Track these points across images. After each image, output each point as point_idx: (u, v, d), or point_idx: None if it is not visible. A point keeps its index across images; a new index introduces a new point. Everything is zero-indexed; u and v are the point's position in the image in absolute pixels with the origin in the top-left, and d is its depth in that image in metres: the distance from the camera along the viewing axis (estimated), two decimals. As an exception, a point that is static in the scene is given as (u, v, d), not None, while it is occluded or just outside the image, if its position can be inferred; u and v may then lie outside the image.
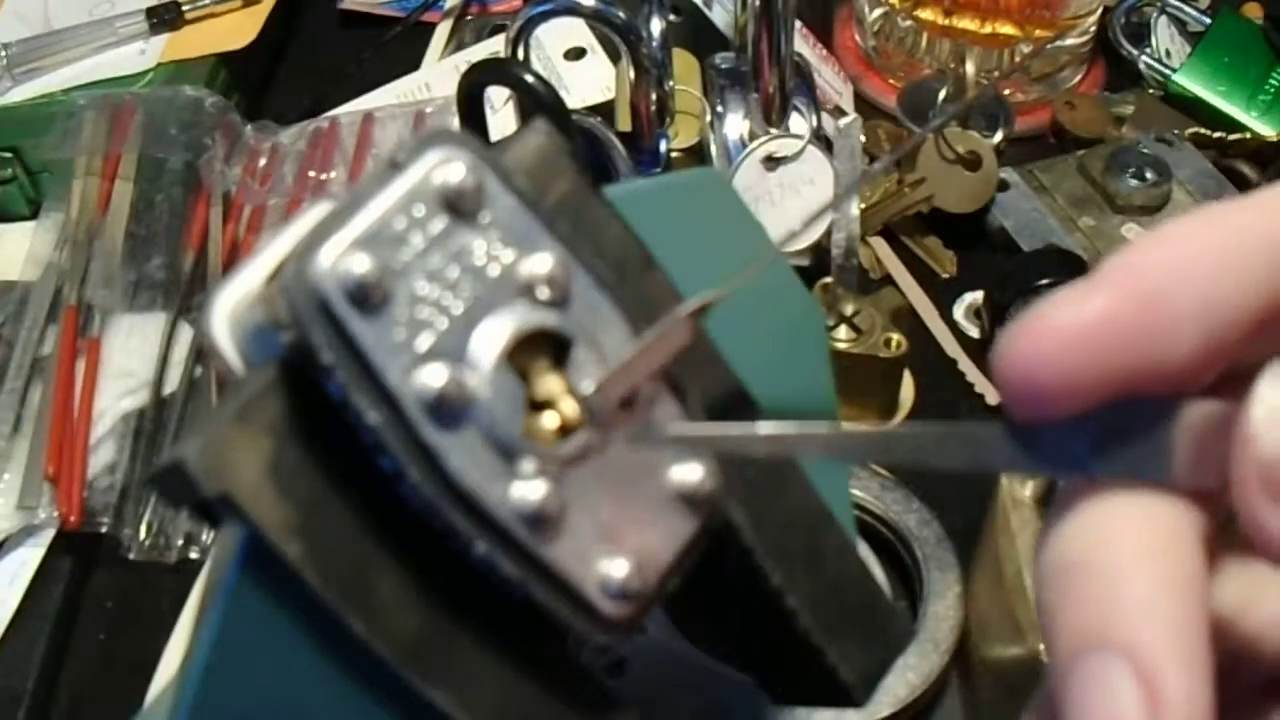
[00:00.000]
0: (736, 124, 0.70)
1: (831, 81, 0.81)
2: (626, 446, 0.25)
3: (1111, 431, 0.20)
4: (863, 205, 0.69)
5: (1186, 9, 0.83)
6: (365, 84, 0.84)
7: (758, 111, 0.69)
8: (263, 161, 0.75)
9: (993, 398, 0.65)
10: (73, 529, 0.59)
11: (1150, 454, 0.20)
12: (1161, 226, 0.20)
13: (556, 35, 0.83)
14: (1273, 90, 0.78)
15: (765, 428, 0.24)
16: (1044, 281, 0.65)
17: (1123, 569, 0.19)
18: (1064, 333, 0.19)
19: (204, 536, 0.60)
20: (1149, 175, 0.72)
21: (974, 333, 0.68)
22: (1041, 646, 0.20)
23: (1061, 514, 0.21)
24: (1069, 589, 0.20)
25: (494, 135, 0.65)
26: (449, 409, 0.22)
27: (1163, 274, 0.20)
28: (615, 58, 0.77)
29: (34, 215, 0.74)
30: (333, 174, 0.75)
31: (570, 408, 0.24)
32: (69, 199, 0.71)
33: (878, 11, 0.82)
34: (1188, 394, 0.20)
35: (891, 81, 0.82)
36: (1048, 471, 0.21)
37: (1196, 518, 0.20)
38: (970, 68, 0.78)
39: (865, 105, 0.81)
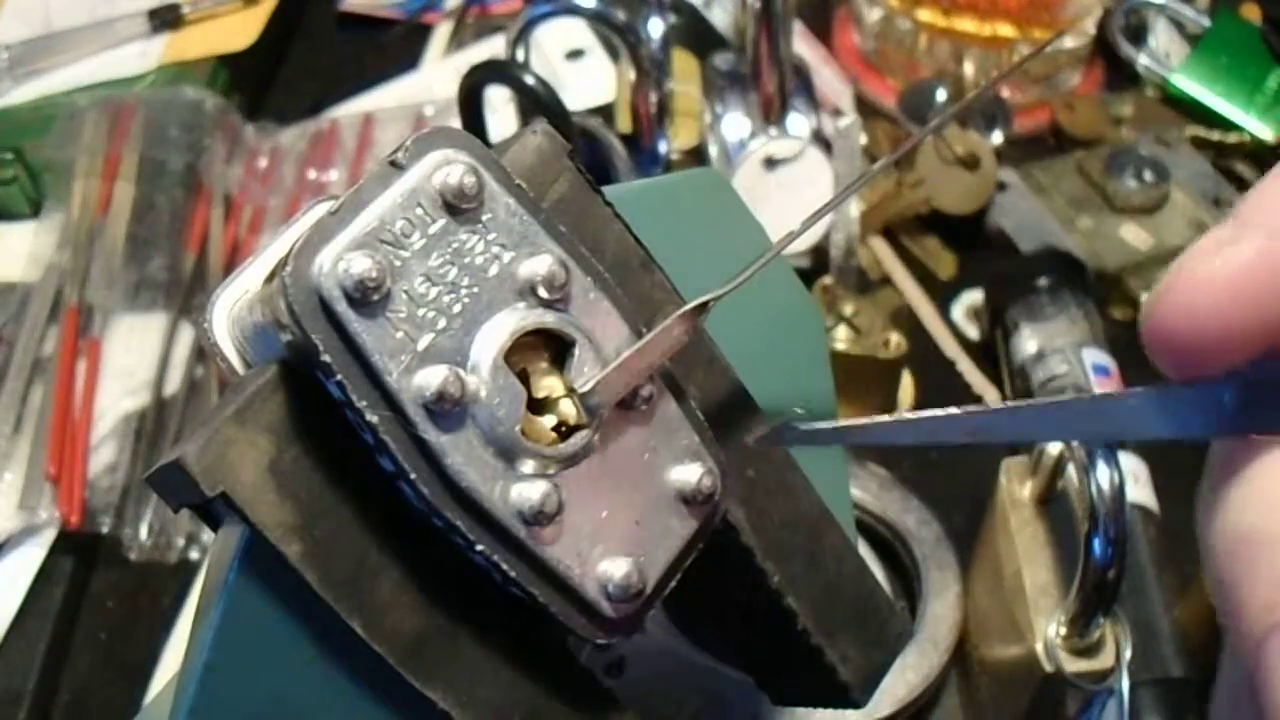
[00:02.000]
0: (736, 125, 0.70)
1: (831, 82, 0.81)
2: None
3: (1265, 387, 0.19)
4: (862, 206, 0.69)
5: (1185, 10, 0.83)
6: (365, 85, 0.85)
7: (757, 112, 0.70)
8: (263, 162, 0.76)
9: (991, 398, 0.65)
10: (74, 529, 0.59)
11: None
12: None
13: (557, 36, 0.83)
14: (1271, 91, 0.78)
15: (901, 418, 0.24)
16: (1042, 282, 0.65)
17: None
18: (1214, 284, 0.18)
19: (204, 537, 0.60)
20: (1147, 176, 0.72)
21: (973, 333, 0.69)
22: (1221, 619, 0.19)
23: (1228, 479, 0.19)
24: (1252, 561, 0.18)
25: (494, 136, 0.65)
26: (448, 409, 0.22)
27: None
28: (615, 59, 0.77)
29: (35, 216, 0.74)
30: (333, 174, 0.76)
31: (569, 408, 0.24)
32: (70, 200, 0.72)
33: (877, 13, 0.82)
34: None
35: (891, 82, 0.82)
36: (1200, 435, 0.20)
37: None
38: (969, 69, 0.78)
39: (865, 106, 0.81)
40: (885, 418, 0.24)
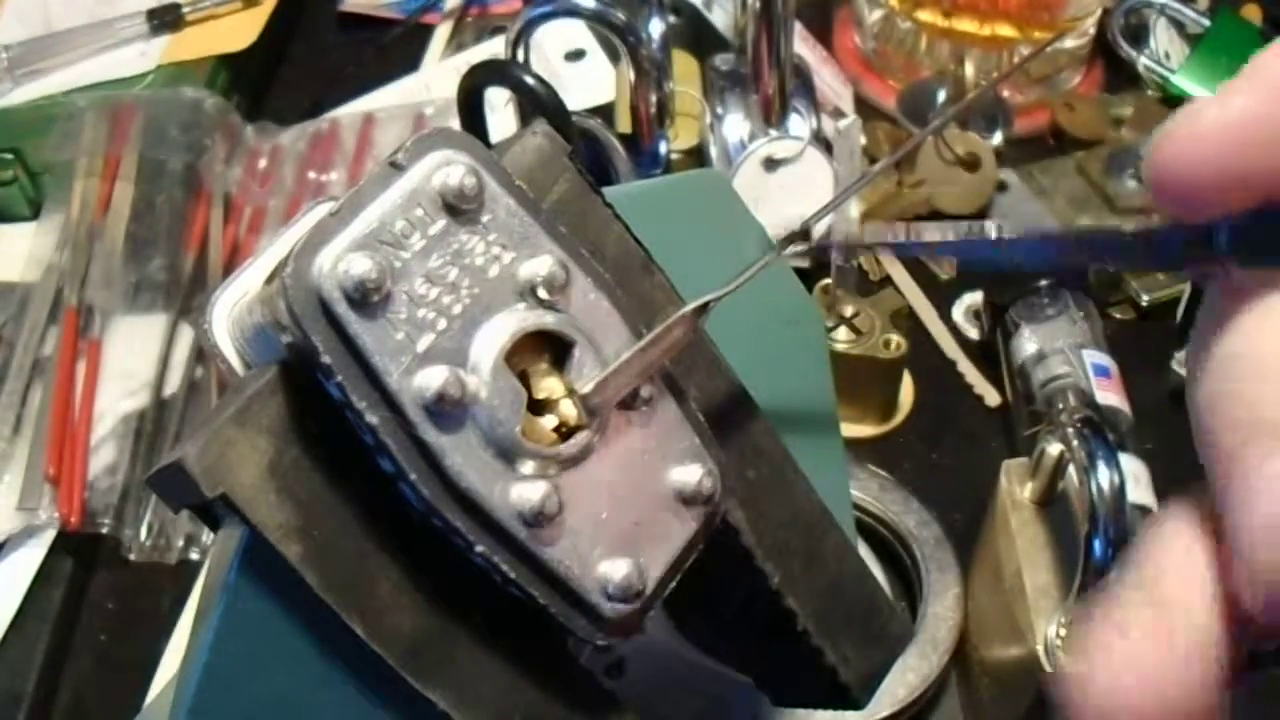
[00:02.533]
0: (736, 126, 0.70)
1: (831, 83, 0.81)
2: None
3: (1258, 234, 0.20)
4: (862, 207, 0.69)
5: (1185, 10, 0.83)
6: (365, 85, 0.85)
7: (758, 113, 0.70)
8: (263, 162, 0.76)
9: (992, 399, 0.65)
10: (73, 530, 0.59)
11: None
12: None
13: (557, 37, 0.83)
14: (1272, 92, 0.78)
15: (935, 240, 0.26)
16: (1042, 282, 0.65)
17: None
18: (1207, 135, 0.20)
19: (204, 537, 0.61)
20: (1148, 177, 0.72)
21: (973, 334, 0.69)
22: (1201, 447, 0.21)
23: (1221, 317, 0.21)
24: (1238, 385, 0.20)
25: (494, 137, 0.65)
26: (448, 410, 0.22)
27: None
28: (615, 59, 0.77)
29: (35, 216, 0.74)
30: (333, 175, 0.76)
31: (569, 409, 0.24)
32: (69, 200, 0.72)
33: (877, 13, 0.82)
34: None
35: (891, 83, 0.82)
36: (1196, 268, 0.22)
37: None
38: (970, 69, 0.78)
39: (865, 107, 0.81)
40: (926, 237, 0.28)
